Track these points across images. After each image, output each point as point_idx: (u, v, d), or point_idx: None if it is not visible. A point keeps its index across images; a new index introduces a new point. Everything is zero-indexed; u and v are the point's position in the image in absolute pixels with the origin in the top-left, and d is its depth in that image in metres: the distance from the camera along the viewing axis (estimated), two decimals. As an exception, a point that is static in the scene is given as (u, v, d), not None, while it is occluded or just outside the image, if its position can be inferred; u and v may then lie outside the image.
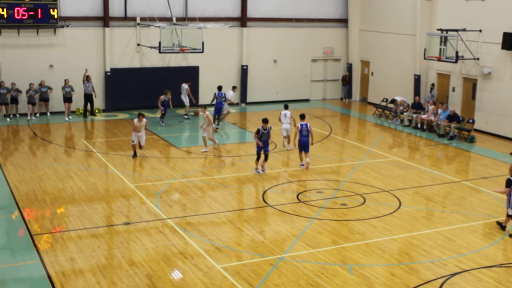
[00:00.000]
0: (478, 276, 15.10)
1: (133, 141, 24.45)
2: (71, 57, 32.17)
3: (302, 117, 24.23)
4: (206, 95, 35.10)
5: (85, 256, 15.45)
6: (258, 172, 23.09)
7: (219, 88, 30.81)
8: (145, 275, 14.52)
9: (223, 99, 30.42)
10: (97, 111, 32.79)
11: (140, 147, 24.86)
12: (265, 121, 23.11)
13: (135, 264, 15.08)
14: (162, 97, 29.95)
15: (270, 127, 23.24)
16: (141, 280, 14.26)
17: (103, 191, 20.83)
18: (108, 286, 13.96)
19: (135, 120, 24.35)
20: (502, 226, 18.14)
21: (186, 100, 32.39)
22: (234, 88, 32.64)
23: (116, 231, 17.43)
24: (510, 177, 17.81)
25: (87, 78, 30.96)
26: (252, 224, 18.22)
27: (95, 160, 24.58)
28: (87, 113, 31.85)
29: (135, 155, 24.62)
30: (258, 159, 23.06)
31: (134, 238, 16.73)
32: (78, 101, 32.02)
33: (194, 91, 33.89)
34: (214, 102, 30.40)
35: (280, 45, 37.58)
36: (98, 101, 33.17)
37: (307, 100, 38.73)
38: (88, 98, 31.51)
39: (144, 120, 24.55)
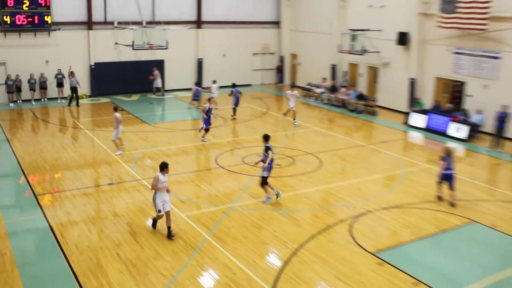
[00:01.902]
0: (379, 215, 15.61)
1: (159, 211, 13.62)
2: (62, 54, 31.48)
3: (234, 85, 27.75)
4: (170, 83, 35.04)
5: (78, 210, 15.44)
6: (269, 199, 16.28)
7: (234, 85, 28.30)
8: (126, 223, 14.61)
9: (238, 94, 27.71)
10: (84, 96, 32.36)
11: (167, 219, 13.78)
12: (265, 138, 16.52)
13: (118, 215, 15.14)
14: (206, 106, 23.05)
15: (269, 147, 16.20)
16: (123, 227, 14.35)
17: (91, 159, 20.66)
18: (97, 232, 14.02)
19: (159, 175, 13.62)
20: (439, 197, 17.08)
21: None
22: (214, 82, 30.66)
23: (102, 190, 17.39)
24: (444, 155, 16.94)
25: (71, 74, 30.19)
26: (208, 181, 18.37)
27: (84, 135, 24.27)
28: (72, 102, 30.56)
29: (155, 226, 14.26)
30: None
31: (116, 195, 16.76)
32: (68, 89, 31.45)
33: (161, 79, 34.04)
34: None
35: (228, 42, 37.46)
36: (85, 89, 32.65)
37: (249, 85, 38.80)
38: (73, 90, 30.40)
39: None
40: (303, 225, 14.76)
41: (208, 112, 22.78)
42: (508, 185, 18.92)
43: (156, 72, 33.66)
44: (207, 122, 22.95)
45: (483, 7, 24.69)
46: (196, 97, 30.49)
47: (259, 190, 17.20)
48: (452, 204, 16.58)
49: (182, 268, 12.21)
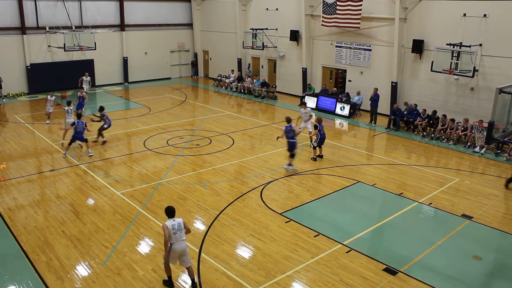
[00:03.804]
0: (283, 182, 15.85)
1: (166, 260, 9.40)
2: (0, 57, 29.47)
3: (101, 108, 20.53)
4: (100, 79, 33.66)
5: (24, 195, 14.57)
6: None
7: (102, 108, 20.56)
8: (68, 203, 13.96)
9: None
10: (22, 94, 30.46)
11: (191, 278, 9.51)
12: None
13: (61, 197, 14.43)
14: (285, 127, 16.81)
15: (74, 123, 18.01)
16: (66, 207, 13.70)
17: (32, 149, 19.47)
18: (43, 214, 13.29)
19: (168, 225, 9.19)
20: (314, 159, 18.22)
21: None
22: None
23: (45, 176, 16.47)
24: (316, 123, 18.16)
25: None
26: (138, 162, 17.90)
27: (25, 128, 22.82)
28: None
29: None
30: None
31: (58, 180, 15.94)
32: (6, 87, 29.68)
33: (91, 77, 32.32)
34: None
35: (149, 42, 36.42)
36: (23, 87, 30.76)
37: (169, 78, 38.13)
38: None
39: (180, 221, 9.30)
40: (221, 194, 14.74)
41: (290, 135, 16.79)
42: (381, 152, 19.84)
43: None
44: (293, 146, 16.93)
45: (356, 10, 25.47)
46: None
47: (183, 167, 17.08)
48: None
49: (121, 239, 11.86)
